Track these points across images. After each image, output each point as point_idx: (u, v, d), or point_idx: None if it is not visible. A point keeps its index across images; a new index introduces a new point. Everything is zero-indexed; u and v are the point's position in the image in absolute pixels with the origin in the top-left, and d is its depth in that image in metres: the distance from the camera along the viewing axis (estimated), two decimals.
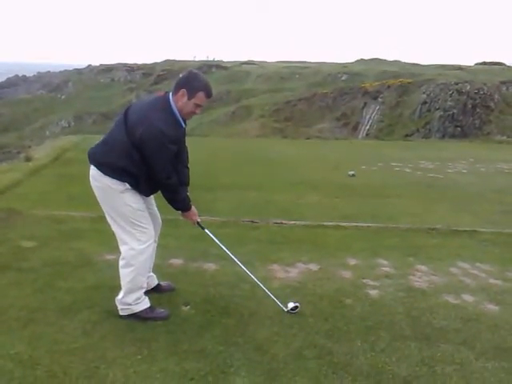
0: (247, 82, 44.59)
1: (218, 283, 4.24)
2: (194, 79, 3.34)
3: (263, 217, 6.66)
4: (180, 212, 3.63)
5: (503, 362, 3.19)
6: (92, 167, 3.43)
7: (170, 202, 3.50)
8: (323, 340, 3.35)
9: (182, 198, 3.53)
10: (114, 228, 3.49)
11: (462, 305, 4.08)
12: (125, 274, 3.46)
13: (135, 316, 3.49)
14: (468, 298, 4.24)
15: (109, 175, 3.34)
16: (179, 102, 3.33)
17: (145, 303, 3.55)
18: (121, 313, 3.52)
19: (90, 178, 3.45)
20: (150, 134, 3.20)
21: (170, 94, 3.37)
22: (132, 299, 3.47)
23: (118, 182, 3.34)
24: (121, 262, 3.48)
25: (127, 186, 3.36)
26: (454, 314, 3.87)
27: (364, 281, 4.50)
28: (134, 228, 3.42)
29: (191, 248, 5.05)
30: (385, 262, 5.04)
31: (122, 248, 3.47)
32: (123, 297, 3.48)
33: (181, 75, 3.44)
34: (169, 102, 3.34)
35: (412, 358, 3.18)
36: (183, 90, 3.30)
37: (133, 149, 3.26)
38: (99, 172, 3.37)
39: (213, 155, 13.88)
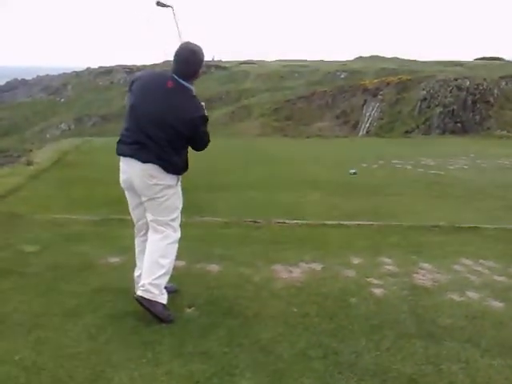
0: (246, 81, 44.53)
1: (222, 284, 4.23)
2: (197, 57, 3.40)
3: (265, 216, 6.65)
4: None
5: (509, 360, 3.18)
6: (143, 167, 3.38)
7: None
8: (328, 340, 3.34)
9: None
10: (154, 221, 3.52)
11: (466, 302, 4.06)
12: (162, 264, 3.47)
13: (151, 304, 3.40)
14: (472, 295, 4.23)
15: (168, 171, 3.39)
16: (194, 80, 3.46)
17: (165, 298, 3.52)
18: (141, 294, 3.41)
19: (137, 178, 3.43)
20: (198, 122, 3.36)
21: (179, 79, 3.37)
22: (160, 289, 3.45)
23: (175, 176, 3.46)
24: (158, 253, 3.48)
25: (179, 177, 3.51)
26: (459, 312, 3.85)
27: (368, 279, 4.49)
28: (174, 219, 3.54)
29: (194, 249, 5.04)
30: (388, 261, 5.03)
31: (162, 237, 3.50)
32: (152, 281, 3.42)
33: (180, 58, 3.37)
34: (184, 85, 3.39)
35: (417, 357, 3.17)
36: (198, 72, 3.45)
37: (177, 140, 3.36)
38: (156, 171, 3.37)
39: (213, 155, 13.81)
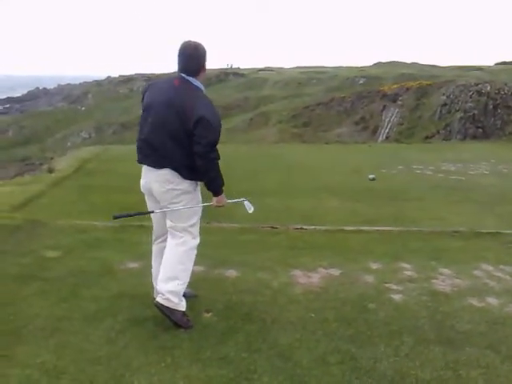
0: (265, 88, 44.64)
1: (240, 290, 4.24)
2: (200, 51, 3.41)
3: (283, 222, 6.65)
4: (215, 199, 3.59)
5: None
6: (159, 172, 3.42)
7: (214, 180, 3.46)
8: (346, 345, 3.33)
9: (220, 175, 3.48)
10: (172, 227, 3.53)
11: (486, 308, 4.02)
12: (179, 270, 3.48)
13: (171, 312, 3.42)
14: (493, 300, 4.19)
15: (184, 177, 3.39)
16: (201, 77, 3.45)
17: (184, 305, 3.53)
18: (162, 302, 3.42)
19: (155, 183, 3.45)
20: (210, 121, 3.27)
21: (186, 77, 3.39)
22: (179, 297, 3.46)
23: (193, 182, 3.46)
24: (175, 259, 3.50)
25: (198, 183, 3.49)
26: (479, 318, 3.82)
27: (387, 285, 4.47)
28: (193, 225, 3.54)
29: (212, 255, 5.06)
30: (407, 266, 5.00)
31: (180, 243, 3.51)
32: (171, 289, 3.42)
33: (184, 55, 3.40)
34: (190, 81, 3.40)
35: (436, 363, 3.15)
36: (204, 67, 3.44)
37: (188, 142, 3.31)
38: (173, 176, 3.39)
39: (232, 162, 13.88)
